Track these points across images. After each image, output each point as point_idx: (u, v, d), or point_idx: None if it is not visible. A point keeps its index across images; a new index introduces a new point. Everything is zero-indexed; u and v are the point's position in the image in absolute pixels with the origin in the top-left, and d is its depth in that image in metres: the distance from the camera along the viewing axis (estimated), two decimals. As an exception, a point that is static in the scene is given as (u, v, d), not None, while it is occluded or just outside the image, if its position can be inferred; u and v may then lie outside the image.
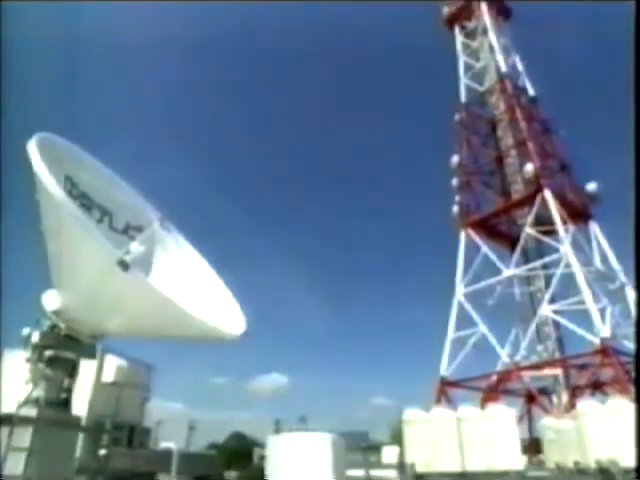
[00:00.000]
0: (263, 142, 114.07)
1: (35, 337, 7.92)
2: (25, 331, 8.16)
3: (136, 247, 8.22)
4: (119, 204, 9.59)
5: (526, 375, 34.43)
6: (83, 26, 65.66)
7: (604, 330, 30.69)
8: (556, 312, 35.77)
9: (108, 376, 13.18)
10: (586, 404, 20.50)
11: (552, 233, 37.13)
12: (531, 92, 46.19)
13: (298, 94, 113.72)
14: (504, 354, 35.75)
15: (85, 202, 9.06)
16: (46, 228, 7.68)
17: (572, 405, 26.67)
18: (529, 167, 38.67)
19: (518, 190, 41.73)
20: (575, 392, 32.56)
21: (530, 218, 38.39)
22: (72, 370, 8.14)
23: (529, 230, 38.46)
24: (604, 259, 37.29)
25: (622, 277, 36.13)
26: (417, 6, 70.94)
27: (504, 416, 20.44)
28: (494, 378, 35.03)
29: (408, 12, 74.52)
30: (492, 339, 36.58)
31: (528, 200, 39.00)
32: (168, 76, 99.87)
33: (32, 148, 7.31)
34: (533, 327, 36.60)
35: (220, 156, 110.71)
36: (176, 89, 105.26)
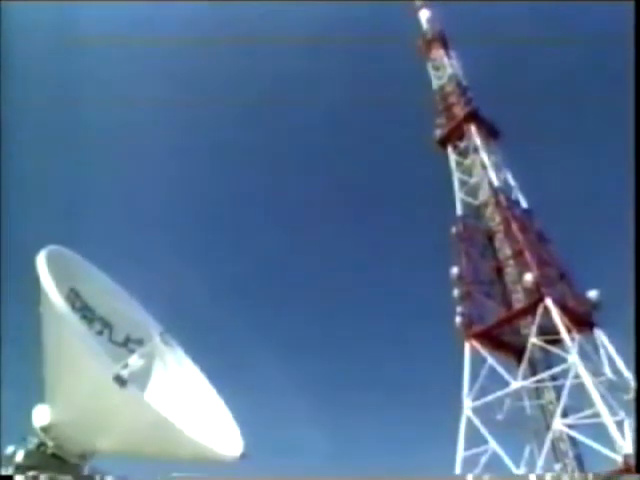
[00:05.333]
0: (264, 259, 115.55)
1: (19, 456, 7.51)
2: (9, 449, 7.74)
3: (135, 361, 8.13)
4: (121, 316, 9.66)
5: (546, 499, 31.92)
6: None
7: (625, 446, 28.98)
8: (570, 426, 34.05)
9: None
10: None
11: (558, 342, 36.50)
12: (524, 204, 48.04)
13: (298, 205, 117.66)
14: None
15: (87, 314, 9.13)
16: (46, 340, 7.64)
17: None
18: (528, 276, 39.06)
19: (519, 299, 41.74)
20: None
21: (534, 328, 37.95)
22: (54, 495, 7.63)
23: (534, 340, 37.84)
24: (614, 368, 36.25)
25: (635, 387, 34.85)
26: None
27: None
28: (511, 503, 32.41)
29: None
30: (505, 457, 34.44)
31: (530, 309, 38.84)
32: (167, 183, 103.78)
33: (40, 262, 7.52)
34: (548, 444, 34.58)
35: (221, 269, 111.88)
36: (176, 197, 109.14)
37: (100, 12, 66.90)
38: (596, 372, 34.46)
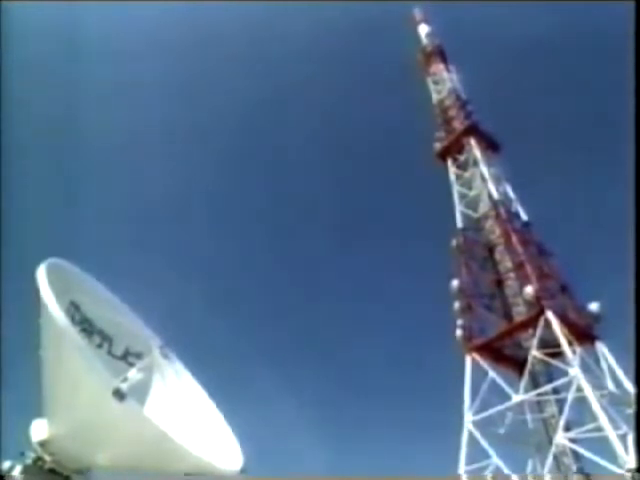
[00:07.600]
0: (264, 272, 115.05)
1: (16, 471, 7.45)
2: (6, 465, 7.67)
3: (134, 375, 8.08)
4: (120, 329, 9.63)
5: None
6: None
7: (629, 461, 28.70)
8: (573, 440, 33.76)
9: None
10: None
11: (559, 355, 36.34)
12: (524, 217, 48.09)
13: (295, 217, 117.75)
14: (523, 490, 33.17)
15: (87, 327, 9.12)
16: (45, 352, 7.61)
17: None
18: (529, 289, 38.99)
19: (520, 312, 41.65)
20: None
21: (535, 340, 37.79)
22: (51, 511, 7.53)
23: (535, 353, 37.66)
24: (616, 381, 36.01)
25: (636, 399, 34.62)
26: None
27: None
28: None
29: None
30: (507, 471, 34.15)
31: (531, 322, 38.71)
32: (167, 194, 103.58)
33: (41, 274, 7.51)
34: (551, 458, 34.29)
35: (222, 283, 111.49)
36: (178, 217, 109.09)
37: (101, 12, 67.27)
38: (598, 385, 34.26)
